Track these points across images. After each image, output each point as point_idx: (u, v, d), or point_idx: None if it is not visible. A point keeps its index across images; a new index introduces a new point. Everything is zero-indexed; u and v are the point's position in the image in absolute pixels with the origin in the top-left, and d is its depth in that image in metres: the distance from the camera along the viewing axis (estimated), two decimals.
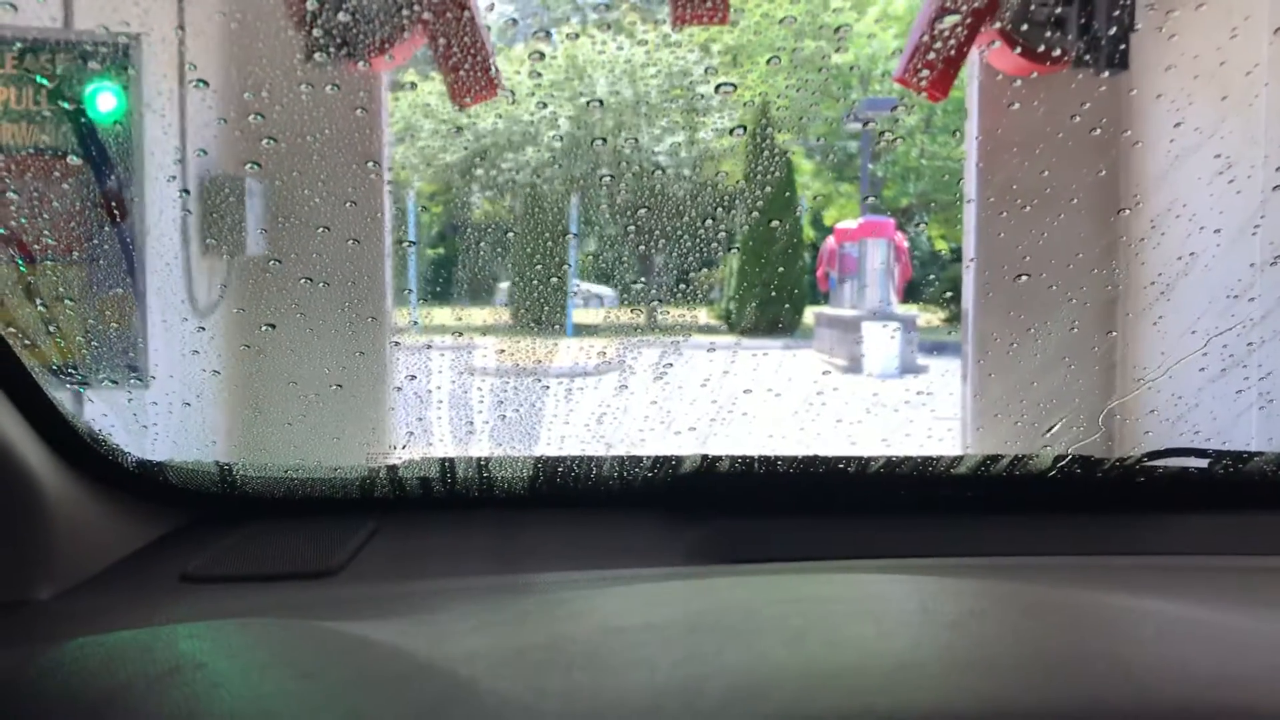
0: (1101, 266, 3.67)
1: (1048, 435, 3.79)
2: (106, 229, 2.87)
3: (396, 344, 4.54)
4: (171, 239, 3.29)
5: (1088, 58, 3.24)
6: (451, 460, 1.29)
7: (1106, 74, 3.34)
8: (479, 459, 1.30)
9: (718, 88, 13.85)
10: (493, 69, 3.34)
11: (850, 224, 10.81)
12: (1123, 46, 3.27)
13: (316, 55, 3.12)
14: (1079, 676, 0.72)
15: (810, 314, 11.86)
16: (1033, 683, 0.71)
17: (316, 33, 3.12)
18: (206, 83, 3.38)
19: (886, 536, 1.22)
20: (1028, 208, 3.68)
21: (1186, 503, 1.32)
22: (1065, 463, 1.30)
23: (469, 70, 3.25)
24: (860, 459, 1.30)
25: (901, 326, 9.59)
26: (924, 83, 3.30)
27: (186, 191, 3.43)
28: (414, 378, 4.12)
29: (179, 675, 0.76)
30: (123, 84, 2.86)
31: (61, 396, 1.07)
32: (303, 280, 3.34)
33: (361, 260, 3.62)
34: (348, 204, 3.53)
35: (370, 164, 3.62)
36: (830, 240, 10.94)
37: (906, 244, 10.01)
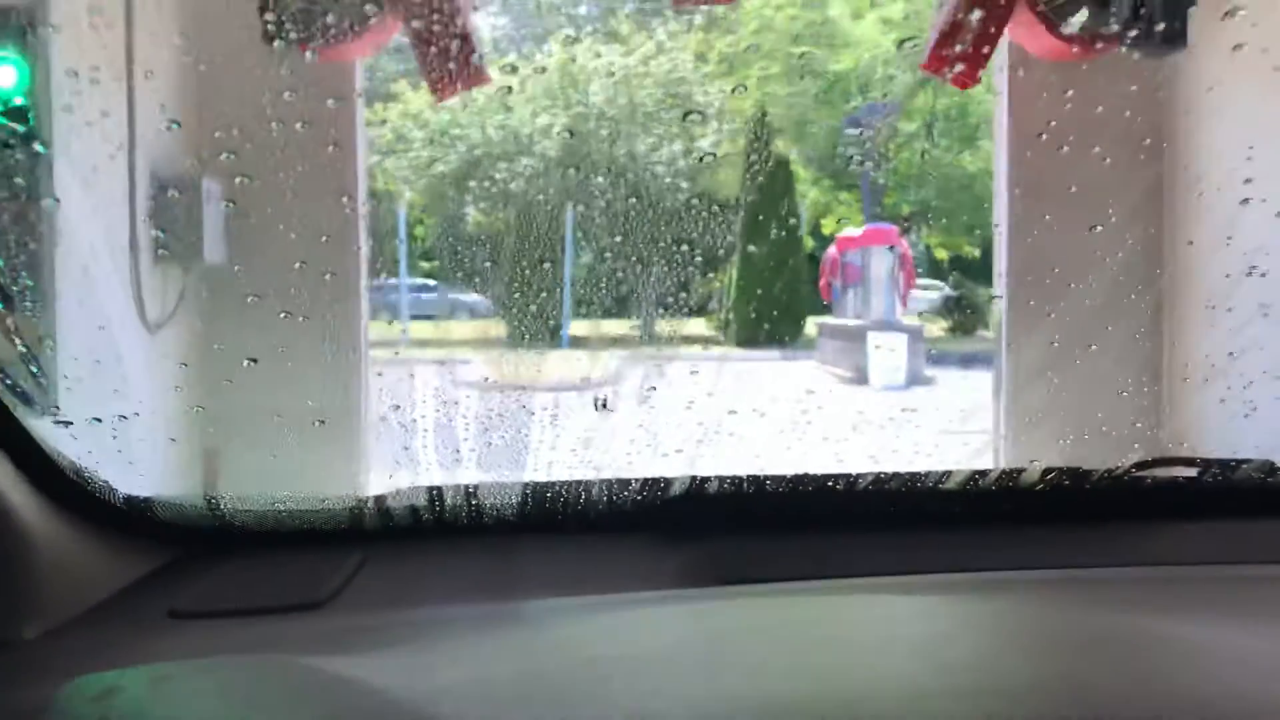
0: (1148, 268, 3.37)
1: (1088, 446, 3.50)
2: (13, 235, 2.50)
3: (375, 369, 4.20)
4: (111, 249, 2.92)
5: (1136, 38, 2.94)
6: (439, 488, 1.28)
7: (1157, 57, 3.03)
8: (467, 486, 1.29)
9: (684, 115, 13.64)
10: (477, 55, 3.02)
11: (853, 232, 10.50)
12: (1178, 25, 2.96)
13: (278, 40, 2.78)
14: (1038, 702, 0.74)
15: (812, 324, 11.53)
16: (989, 711, 0.73)
17: (279, 16, 2.79)
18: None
19: (875, 553, 1.24)
20: (1066, 206, 3.38)
21: (1175, 512, 1.32)
22: (1053, 475, 1.30)
23: (451, 59, 2.93)
24: (848, 476, 1.30)
25: (908, 337, 9.26)
26: (952, 69, 3.00)
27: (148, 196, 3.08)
28: (398, 407, 3.80)
29: (161, 715, 0.79)
30: (24, 55, 2.45)
31: (46, 431, 1.05)
32: (282, 313, 3.02)
33: (336, 281, 3.29)
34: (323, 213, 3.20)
35: (344, 186, 3.30)
36: (833, 249, 10.62)
37: (911, 251, 9.71)
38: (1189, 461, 1.35)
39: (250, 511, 1.27)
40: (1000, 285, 3.59)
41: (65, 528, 1.08)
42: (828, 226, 15.57)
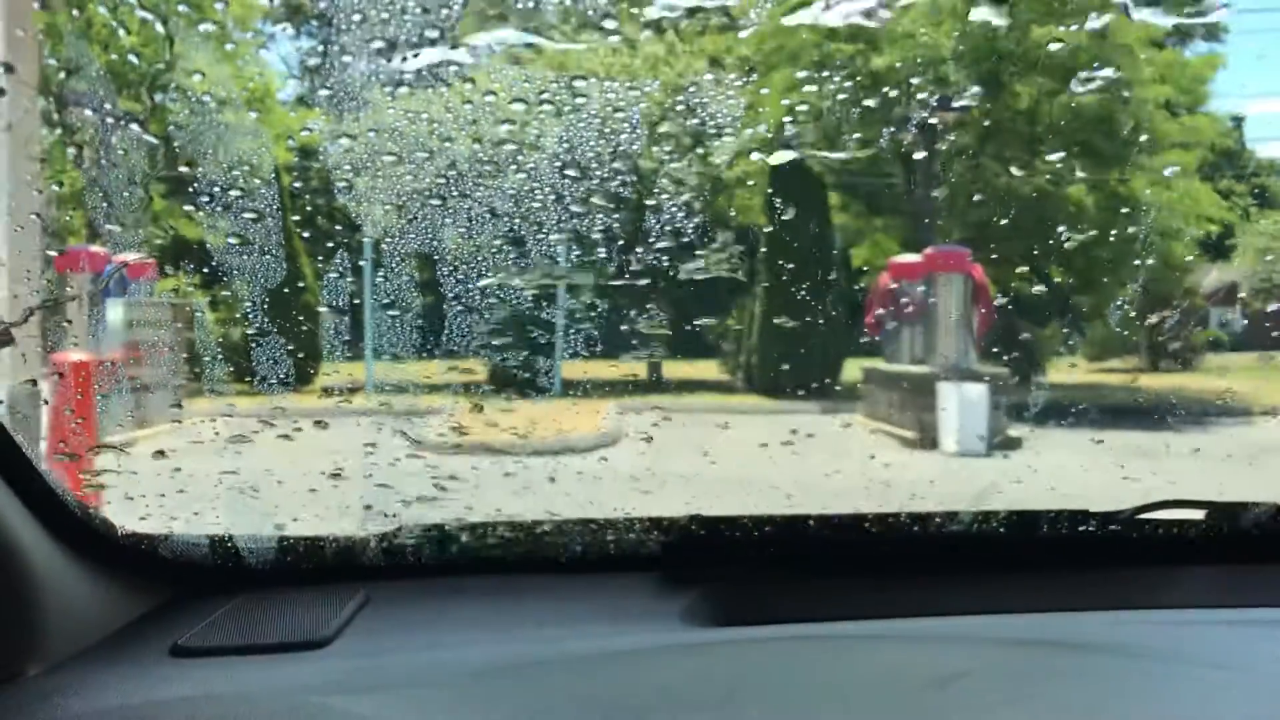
0: None
1: None
2: None
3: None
4: None
5: None
6: (442, 527, 1.30)
7: None
8: (471, 525, 1.31)
9: (697, 126, 11.88)
10: None
11: (910, 257, 8.50)
12: None
13: None
14: None
15: (855, 370, 9.52)
16: None
17: None
18: None
19: (878, 595, 1.23)
20: None
21: (1180, 555, 1.32)
22: (1058, 518, 1.30)
23: None
24: (852, 516, 1.31)
25: (988, 388, 7.27)
26: None
27: None
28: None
29: None
30: None
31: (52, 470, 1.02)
32: None
33: None
34: None
35: None
36: (884, 277, 8.60)
37: (988, 280, 7.69)
38: (1195, 504, 1.31)
39: (253, 549, 1.27)
40: None
41: (69, 564, 1.08)
42: (858, 257, 13.65)
